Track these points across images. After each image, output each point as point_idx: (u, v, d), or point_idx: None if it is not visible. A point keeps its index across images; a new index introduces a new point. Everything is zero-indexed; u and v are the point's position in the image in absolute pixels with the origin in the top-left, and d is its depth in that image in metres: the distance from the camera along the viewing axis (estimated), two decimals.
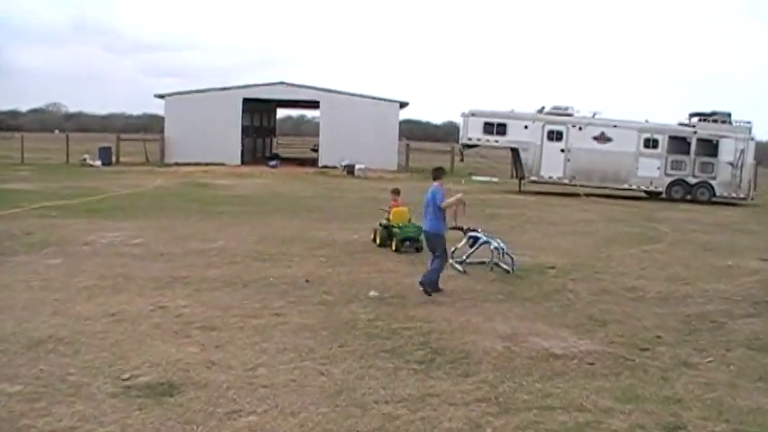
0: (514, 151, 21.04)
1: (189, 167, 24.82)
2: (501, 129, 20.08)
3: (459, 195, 6.79)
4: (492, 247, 8.07)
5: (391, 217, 9.29)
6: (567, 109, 20.39)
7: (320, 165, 27.46)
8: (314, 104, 29.74)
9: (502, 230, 11.19)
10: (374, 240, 9.32)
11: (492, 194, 19.37)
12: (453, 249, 8.04)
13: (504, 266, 8.02)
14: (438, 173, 6.95)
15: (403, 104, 29.31)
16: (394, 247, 8.84)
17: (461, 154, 21.75)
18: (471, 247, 8.09)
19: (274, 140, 39.64)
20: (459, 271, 7.79)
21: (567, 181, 20.16)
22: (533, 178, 20.40)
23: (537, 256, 8.86)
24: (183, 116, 27.44)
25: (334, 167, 26.96)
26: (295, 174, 24.15)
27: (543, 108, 20.94)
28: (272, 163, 27.13)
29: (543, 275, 7.67)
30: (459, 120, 21.45)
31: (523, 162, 20.36)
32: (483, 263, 8.03)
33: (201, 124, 27.45)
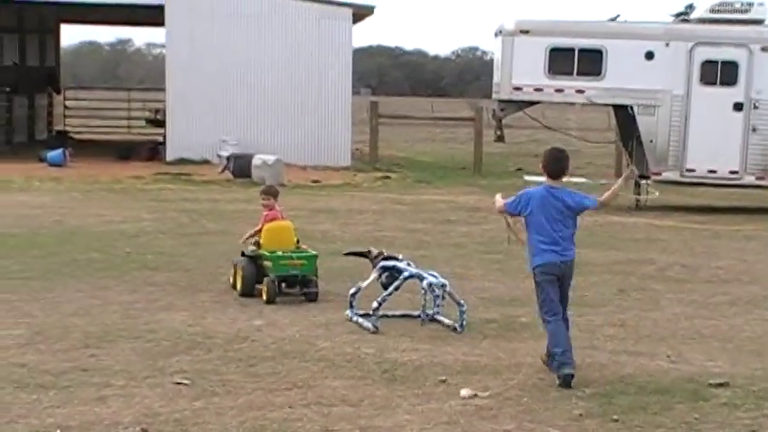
0: (623, 114, 21.61)
1: None
2: (590, 62, 20.52)
3: (629, 170, 8.85)
4: (425, 283, 9.61)
5: (263, 239, 10.98)
6: (746, 6, 20.91)
7: (169, 158, 27.91)
8: (151, 15, 29.84)
9: (597, 299, 11.44)
10: (234, 286, 11.16)
11: None
12: (353, 291, 9.82)
13: (446, 321, 9.62)
14: (561, 163, 8.26)
15: (361, 12, 29.82)
16: (266, 296, 10.58)
17: (498, 125, 22.10)
18: (386, 285, 9.75)
19: (57, 101, 39.64)
20: (368, 329, 9.39)
21: (753, 179, 20.76)
22: (669, 175, 20.94)
23: (685, 358, 8.98)
24: None
25: (205, 163, 27.14)
26: (111, 179, 24.28)
27: (691, 8, 21.43)
28: (54, 155, 27.17)
29: (705, 402, 7.71)
30: (490, 46, 21.62)
31: (645, 138, 20.86)
32: (409, 316, 9.90)
33: None
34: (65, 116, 39.79)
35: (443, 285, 9.66)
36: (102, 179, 24.12)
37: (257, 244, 11.10)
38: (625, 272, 13.36)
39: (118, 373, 8.00)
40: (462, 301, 9.67)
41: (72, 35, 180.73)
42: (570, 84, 20.54)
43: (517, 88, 20.70)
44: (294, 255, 10.85)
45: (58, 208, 18.55)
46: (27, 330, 9.29)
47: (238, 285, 11.02)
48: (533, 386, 7.85)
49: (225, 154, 25.42)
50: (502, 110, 21.47)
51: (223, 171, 24.75)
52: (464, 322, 9.56)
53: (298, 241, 11.23)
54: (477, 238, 16.19)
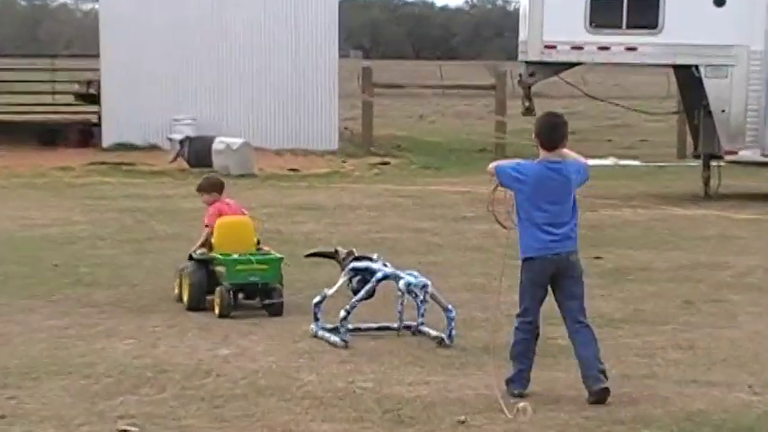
0: (687, 77, 21.68)
1: None
2: (643, 10, 20.55)
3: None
4: (401, 284, 10.19)
5: (215, 238, 11.55)
6: None
7: (105, 143, 28.06)
8: None
9: (658, 314, 11.47)
10: (180, 297, 11.68)
11: (616, 207, 19.63)
12: (318, 300, 10.39)
13: (432, 332, 10.20)
14: (559, 130, 8.50)
15: None
16: (218, 309, 11.09)
17: (527, 94, 22.10)
18: (358, 291, 10.37)
19: None
20: (336, 344, 9.94)
21: None
22: (746, 154, 21.05)
23: None
24: None
25: (152, 149, 27.14)
26: (32, 171, 24.36)
27: None
28: None
29: None
30: None
31: (715, 107, 20.95)
32: (387, 328, 10.49)
33: None
34: None
35: (424, 286, 10.14)
36: (20, 172, 24.10)
37: (208, 245, 11.54)
38: (693, 279, 13.36)
39: (45, 419, 7.98)
40: (450, 306, 10.05)
41: None
42: (618, 39, 20.56)
43: (550, 47, 20.70)
44: (254, 258, 11.25)
45: None
46: None
47: (185, 297, 11.40)
48: (578, 427, 7.87)
49: (178, 137, 25.43)
50: (531, 75, 21.46)
51: (176, 159, 24.76)
52: (452, 332, 9.97)
53: (258, 242, 11.71)
54: (502, 239, 16.14)
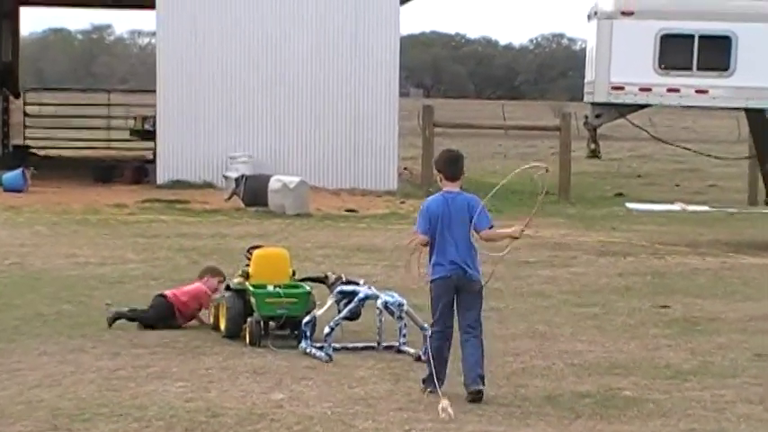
0: (759, 121, 21.60)
1: None
2: (714, 52, 20.48)
3: (515, 229, 9.99)
4: (379, 302, 11.39)
5: (252, 269, 12.40)
6: None
7: (160, 180, 28.34)
8: None
9: (726, 367, 11.37)
10: (216, 326, 12.46)
11: (683, 255, 19.56)
12: (307, 320, 11.47)
13: (411, 350, 11.29)
14: (459, 164, 9.97)
15: None
16: (248, 338, 11.83)
17: (592, 137, 22.06)
18: (342, 311, 11.56)
19: (16, 107, 40.06)
20: (321, 359, 11.02)
21: None
22: None
23: None
24: None
25: (207, 186, 27.32)
26: (86, 208, 24.54)
27: None
28: (12, 176, 27.65)
29: None
30: (581, 32, 21.61)
31: None
32: (371, 347, 11.55)
33: None
34: (25, 126, 40.17)
35: (401, 305, 11.30)
36: (73, 208, 24.26)
37: (245, 273, 12.26)
38: (764, 331, 13.21)
39: None
40: (426, 325, 10.65)
41: (35, 21, 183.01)
42: (688, 81, 20.47)
43: (617, 88, 20.64)
44: (282, 292, 11.91)
45: (17, 246, 18.67)
46: None
47: (221, 325, 12.11)
48: None
49: (233, 175, 25.53)
50: (597, 116, 21.40)
51: (231, 197, 24.85)
52: (428, 348, 10.66)
53: (294, 273, 12.48)
54: (565, 285, 16.13)
